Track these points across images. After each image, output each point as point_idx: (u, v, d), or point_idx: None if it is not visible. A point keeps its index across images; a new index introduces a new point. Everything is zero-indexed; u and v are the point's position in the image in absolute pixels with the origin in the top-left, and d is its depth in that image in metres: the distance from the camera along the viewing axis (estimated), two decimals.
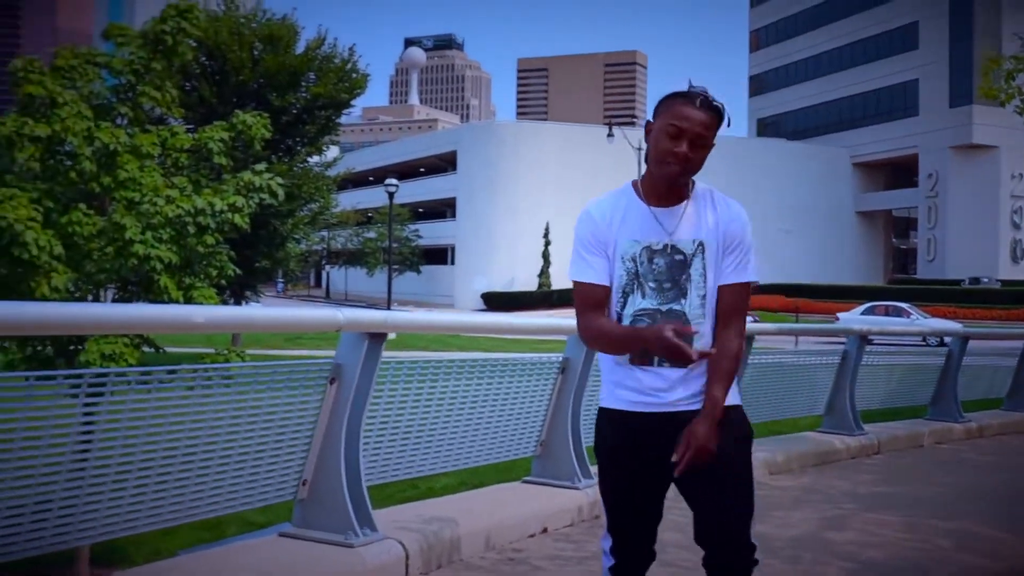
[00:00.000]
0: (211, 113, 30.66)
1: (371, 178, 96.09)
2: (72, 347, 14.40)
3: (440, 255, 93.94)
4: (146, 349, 15.34)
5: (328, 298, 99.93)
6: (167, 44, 15.69)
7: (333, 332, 5.55)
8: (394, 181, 55.67)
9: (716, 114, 3.44)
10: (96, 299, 15.62)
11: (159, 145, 15.82)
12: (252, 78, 34.04)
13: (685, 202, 3.53)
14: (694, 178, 3.59)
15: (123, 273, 14.35)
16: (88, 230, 14.42)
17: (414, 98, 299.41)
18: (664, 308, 3.48)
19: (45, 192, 14.82)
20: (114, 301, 15.57)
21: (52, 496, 4.43)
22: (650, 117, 3.55)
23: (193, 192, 15.04)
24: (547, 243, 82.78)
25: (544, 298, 77.89)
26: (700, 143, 3.40)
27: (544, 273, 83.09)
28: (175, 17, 15.77)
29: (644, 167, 3.57)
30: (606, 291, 3.57)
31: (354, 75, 36.67)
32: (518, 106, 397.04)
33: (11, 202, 13.57)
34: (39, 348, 14.74)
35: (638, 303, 3.52)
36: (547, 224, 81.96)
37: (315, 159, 38.39)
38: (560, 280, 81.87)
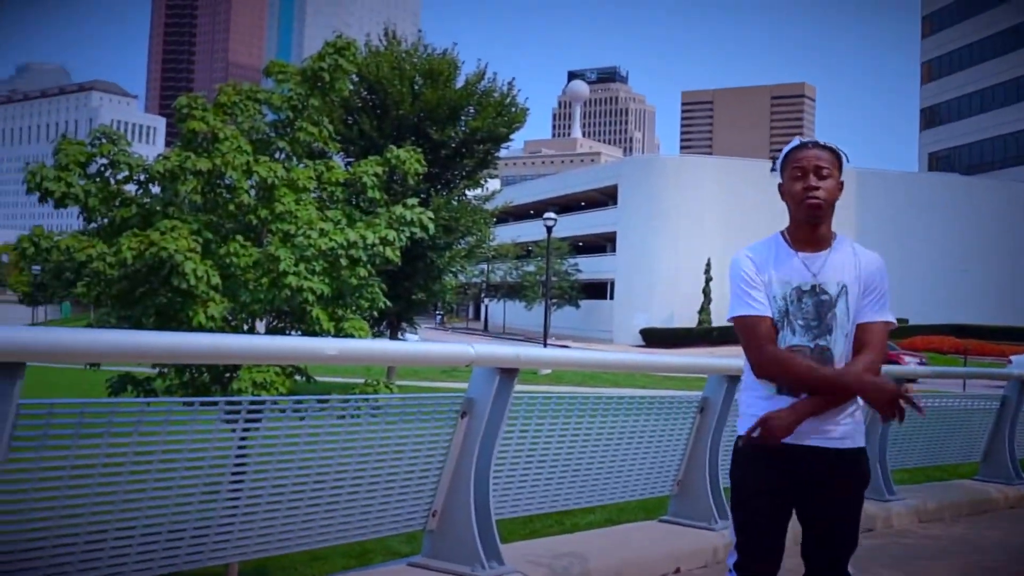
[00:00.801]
0: (371, 146, 31.36)
1: (531, 211, 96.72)
2: (227, 375, 14.88)
3: (600, 290, 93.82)
4: (297, 378, 15.77)
5: (486, 331, 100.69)
6: (324, 80, 16.15)
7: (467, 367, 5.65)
8: (552, 215, 55.93)
9: (832, 153, 3.86)
10: (251, 328, 16.12)
11: (315, 179, 16.29)
12: (412, 112, 34.65)
13: (828, 249, 3.88)
14: (835, 231, 3.96)
15: (276, 303, 14.79)
16: (245, 261, 14.94)
17: (577, 131, 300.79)
18: (812, 344, 3.80)
19: (205, 224, 15.41)
20: (268, 331, 16.04)
21: (211, 514, 4.72)
22: (779, 181, 3.96)
23: (346, 225, 15.41)
24: (708, 279, 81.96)
25: (704, 335, 77.06)
26: (824, 174, 3.80)
27: (704, 310, 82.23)
28: (332, 55, 16.26)
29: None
30: (772, 323, 3.87)
31: (513, 109, 36.94)
32: (682, 139, 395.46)
33: (172, 233, 14.16)
34: (196, 375, 15.29)
35: (788, 339, 3.83)
36: (708, 260, 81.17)
37: (473, 192, 38.82)
38: (720, 317, 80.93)
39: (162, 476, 4.54)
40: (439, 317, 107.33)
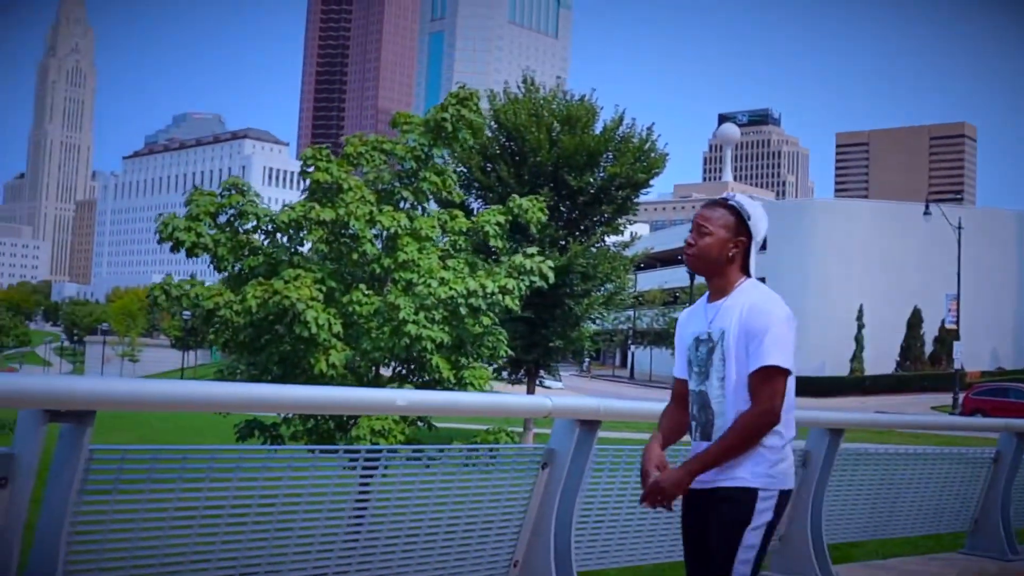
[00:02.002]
0: (509, 193, 31.78)
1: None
2: (349, 421, 15.29)
3: None
4: (420, 425, 16.10)
5: (632, 378, 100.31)
6: (447, 131, 16.54)
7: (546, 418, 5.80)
8: None
9: (726, 210, 4.08)
10: (376, 376, 16.50)
11: (438, 228, 16.68)
12: (549, 159, 34.92)
13: (726, 297, 4.06)
14: (746, 278, 4.11)
15: (397, 352, 15.16)
16: (366, 309, 15.38)
17: (728, 175, 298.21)
18: (696, 390, 4.09)
19: (329, 273, 15.91)
20: (389, 379, 16.40)
21: (328, 559, 4.99)
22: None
23: (468, 274, 15.73)
24: (860, 326, 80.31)
25: (855, 384, 75.37)
26: (704, 231, 4.05)
27: (856, 358, 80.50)
28: (455, 105, 16.64)
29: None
30: (682, 383, 4.24)
31: (652, 154, 36.92)
32: (836, 182, 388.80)
33: (295, 282, 14.68)
34: (321, 421, 15.74)
35: (690, 385, 4.15)
36: (860, 307, 79.61)
37: (613, 239, 38.90)
38: (874, 365, 79.11)
39: (265, 521, 4.80)
40: (586, 364, 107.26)
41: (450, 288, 15.09)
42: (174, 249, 15.51)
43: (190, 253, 15.53)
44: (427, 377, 15.60)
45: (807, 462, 7.68)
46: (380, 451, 5.32)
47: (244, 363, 16.40)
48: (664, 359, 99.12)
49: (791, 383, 3.97)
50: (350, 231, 15.93)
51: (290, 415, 15.95)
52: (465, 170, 36.04)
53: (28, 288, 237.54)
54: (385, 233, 16.22)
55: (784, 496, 3.98)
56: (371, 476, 5.19)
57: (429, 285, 15.10)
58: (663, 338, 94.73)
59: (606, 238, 38.11)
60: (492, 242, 16.72)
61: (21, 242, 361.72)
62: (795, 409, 4.07)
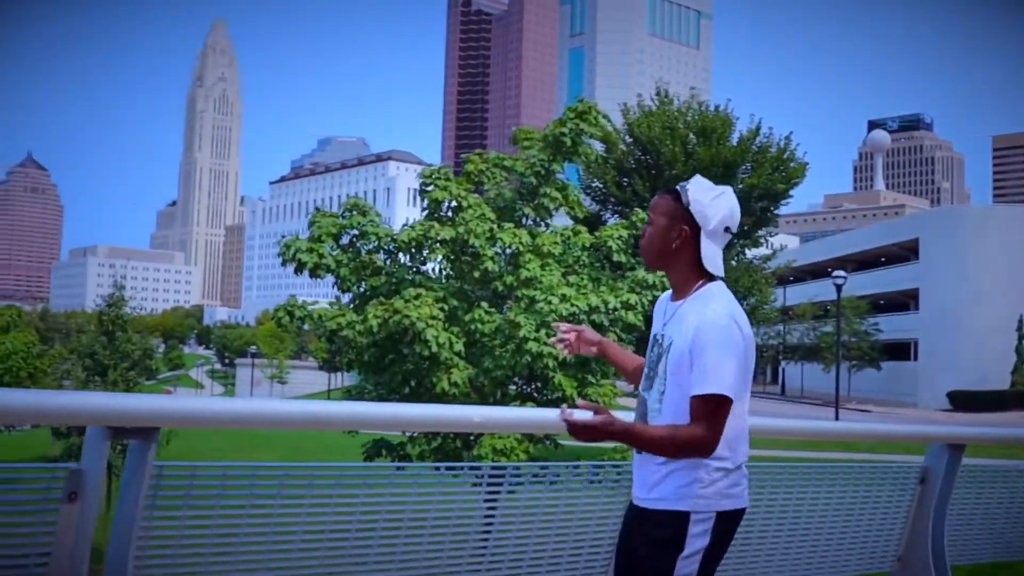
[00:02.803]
0: (644, 207, 31.64)
1: (829, 269, 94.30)
2: (472, 439, 15.37)
3: (902, 350, 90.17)
4: (547, 443, 16.11)
5: (783, 394, 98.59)
6: (566, 145, 16.54)
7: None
8: (842, 273, 54.40)
9: (670, 196, 3.69)
10: (504, 394, 16.55)
11: (561, 244, 16.68)
12: (685, 171, 34.63)
13: (683, 300, 3.69)
14: (710, 281, 3.69)
15: (519, 370, 15.18)
16: (488, 327, 15.44)
17: (879, 183, 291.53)
18: (641, 394, 3.78)
19: (451, 291, 16.04)
20: (513, 397, 16.42)
21: None
22: None
23: (591, 290, 15.69)
24: (1021, 337, 77.59)
25: (1017, 398, 72.82)
26: (649, 219, 3.68)
27: (1018, 371, 77.68)
28: (573, 119, 16.63)
29: None
30: None
31: (791, 164, 36.35)
32: (995, 187, 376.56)
33: (415, 301, 14.84)
34: (448, 440, 15.86)
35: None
36: (1021, 317, 76.93)
37: (753, 252, 38.41)
38: None
39: (343, 538, 4.81)
40: None
41: (572, 304, 15.07)
42: (297, 271, 15.82)
43: (313, 274, 15.83)
44: (551, 395, 15.59)
45: (925, 479, 7.42)
46: (505, 467, 5.31)
47: (371, 383, 16.63)
48: (816, 374, 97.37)
49: (741, 406, 3.62)
50: (471, 249, 16.04)
51: (415, 434, 16.12)
52: (600, 185, 36.04)
53: (181, 313, 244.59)
54: (507, 250, 16.28)
55: (724, 519, 3.64)
56: (496, 495, 5.19)
57: (550, 302, 15.10)
58: (814, 353, 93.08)
59: (746, 251, 37.61)
60: (615, 257, 16.64)
61: (174, 268, 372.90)
62: (747, 432, 3.74)
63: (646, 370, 3.77)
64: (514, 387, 16.63)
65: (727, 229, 3.71)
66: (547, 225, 17.40)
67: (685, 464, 3.58)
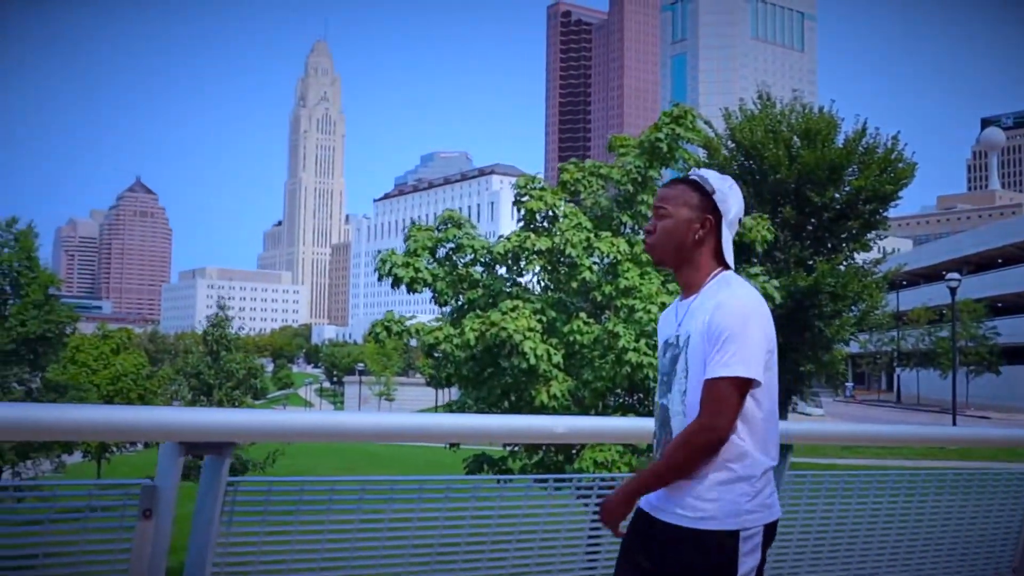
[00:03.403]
0: (749, 214, 31.24)
1: (943, 272, 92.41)
2: (574, 452, 15.24)
3: (1023, 354, 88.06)
4: (652, 455, 15.88)
5: (899, 402, 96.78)
6: (662, 151, 16.36)
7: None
8: (956, 275, 53.22)
9: (686, 186, 3.49)
10: (604, 406, 16.39)
11: None
12: (790, 175, 34.13)
13: (697, 293, 3.49)
14: (721, 271, 3.50)
15: (619, 381, 15.02)
16: (587, 338, 15.31)
17: (995, 182, 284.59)
18: (659, 402, 3.52)
19: (549, 303, 15.95)
20: (613, 408, 16.25)
21: None
22: None
23: None
24: None
25: None
26: (661, 213, 3.48)
27: None
28: (669, 124, 16.45)
29: None
30: None
31: (899, 165, 35.58)
32: None
33: (512, 313, 14.77)
34: (551, 453, 15.76)
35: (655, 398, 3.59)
36: None
37: (863, 256, 37.69)
38: None
39: (419, 549, 4.81)
40: (849, 389, 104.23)
41: None
42: (394, 285, 15.87)
43: (410, 289, 15.86)
44: (651, 408, 15.39)
45: None
46: (594, 479, 5.23)
47: (471, 397, 16.60)
48: (932, 381, 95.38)
49: (768, 399, 3.40)
50: (568, 259, 15.93)
51: (516, 448, 16.05)
52: None
53: (290, 332, 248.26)
54: (605, 260, 16.15)
55: (769, 532, 3.39)
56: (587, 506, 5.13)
57: (649, 311, 14.94)
58: (930, 358, 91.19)
59: (855, 255, 36.90)
60: None
61: (282, 287, 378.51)
62: (778, 428, 3.46)
63: (661, 377, 3.54)
64: (615, 399, 16.46)
65: (740, 220, 3.59)
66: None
67: (728, 476, 3.30)
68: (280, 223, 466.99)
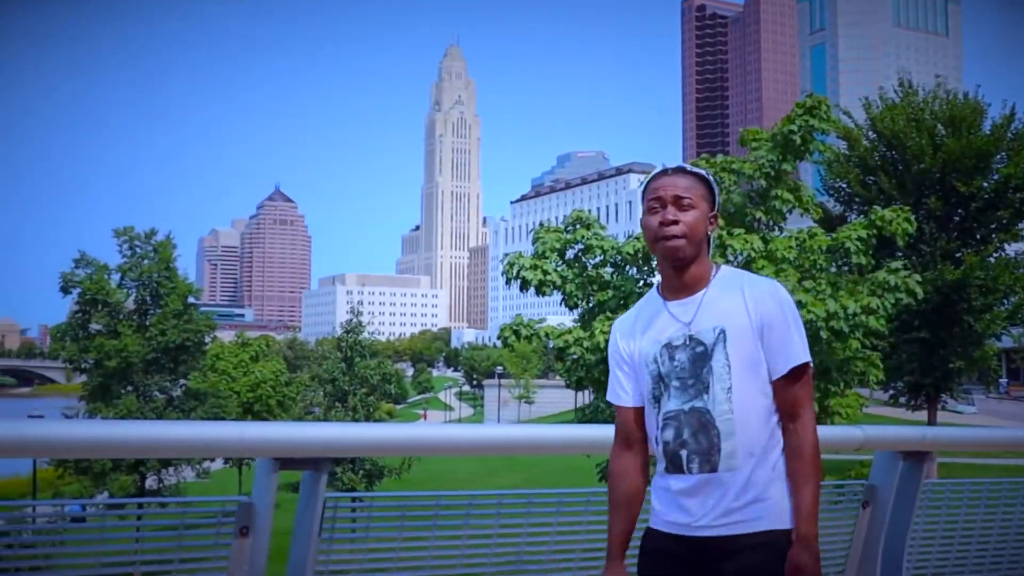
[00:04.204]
0: (890, 205, 30.39)
1: None
2: None
3: None
4: None
5: None
6: (795, 144, 15.91)
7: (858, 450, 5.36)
8: None
9: (698, 180, 3.30)
10: None
11: (795, 248, 16.06)
12: (934, 165, 33.15)
13: (705, 288, 3.29)
14: (721, 264, 3.38)
15: None
16: None
17: None
18: (687, 407, 3.22)
19: None
20: None
21: None
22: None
23: (829, 295, 15.02)
24: None
25: None
26: (686, 204, 3.25)
27: None
28: (802, 116, 15.99)
29: None
30: (633, 414, 3.41)
31: None
32: None
33: None
34: None
35: (666, 405, 3.27)
36: None
37: (1015, 247, 36.38)
38: None
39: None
40: (1003, 385, 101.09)
41: (808, 311, 14.45)
42: (523, 288, 15.76)
43: (539, 292, 15.72)
44: None
45: None
46: None
47: (603, 401, 16.41)
48: None
49: None
50: None
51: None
52: (844, 185, 34.96)
53: (429, 336, 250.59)
54: (738, 257, 15.80)
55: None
56: None
57: None
58: None
59: (1005, 246, 35.61)
60: (855, 259, 15.87)
61: (420, 292, 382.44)
62: None
63: (675, 383, 3.25)
64: None
65: None
66: (780, 229, 16.79)
67: (780, 471, 3.19)
68: (418, 227, 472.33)
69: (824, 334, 14.49)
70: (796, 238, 16.36)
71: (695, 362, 3.22)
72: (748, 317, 3.19)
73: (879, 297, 14.73)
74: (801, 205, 16.50)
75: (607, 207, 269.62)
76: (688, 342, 3.24)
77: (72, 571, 3.98)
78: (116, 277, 37.66)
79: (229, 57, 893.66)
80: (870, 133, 35.31)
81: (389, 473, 36.66)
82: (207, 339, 39.98)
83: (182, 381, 39.72)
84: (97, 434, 3.95)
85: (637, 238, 15.84)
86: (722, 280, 3.29)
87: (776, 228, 16.81)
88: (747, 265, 15.67)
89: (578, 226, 16.27)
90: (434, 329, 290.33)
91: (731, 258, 15.87)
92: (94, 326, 37.40)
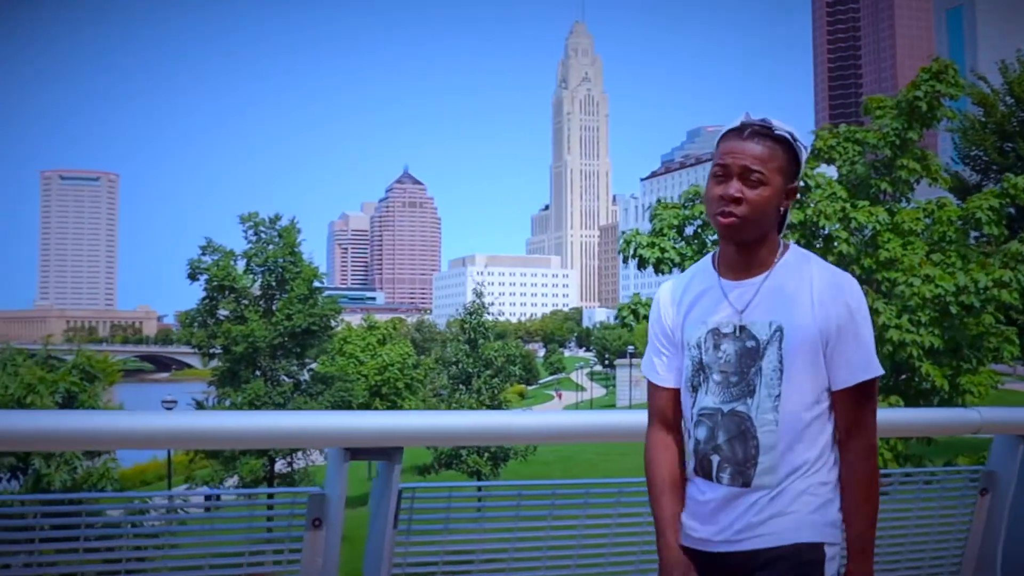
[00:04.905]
0: None
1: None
2: None
3: None
4: None
5: None
6: (921, 111, 15.37)
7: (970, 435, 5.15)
8: None
9: (779, 145, 2.82)
10: None
11: (923, 219, 15.57)
12: None
13: (767, 272, 2.87)
14: (789, 243, 2.93)
15: (879, 360, 14.23)
16: None
17: None
18: (727, 408, 2.84)
19: None
20: (879, 389, 15.44)
21: None
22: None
23: (959, 268, 14.52)
24: None
25: None
26: (754, 179, 2.79)
27: None
28: (928, 81, 15.43)
29: None
30: (671, 396, 3.04)
31: None
32: None
33: None
34: None
35: (701, 400, 2.90)
36: None
37: None
38: None
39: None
40: None
41: (936, 286, 13.99)
42: (640, 267, 15.54)
43: (656, 269, 15.48)
44: (919, 386, 14.53)
45: None
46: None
47: None
48: None
49: None
50: (822, 232, 15.25)
51: None
52: (981, 153, 33.89)
53: (560, 316, 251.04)
54: (863, 231, 15.37)
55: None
56: None
57: (912, 284, 14.10)
58: None
59: None
60: (986, 229, 15.27)
61: (551, 272, 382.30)
62: None
63: (716, 378, 2.88)
64: (880, 380, 15.60)
65: None
66: (907, 200, 16.28)
67: (819, 490, 2.83)
68: (547, 207, 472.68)
69: (954, 309, 13.99)
70: (924, 209, 15.85)
71: (743, 358, 2.84)
72: (812, 314, 2.79)
73: (1012, 270, 14.14)
74: (929, 174, 15.92)
75: None
76: (738, 333, 2.85)
77: (140, 563, 3.97)
78: (242, 263, 38.27)
79: (356, 41, 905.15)
80: (1007, 98, 34.15)
81: (515, 455, 36.72)
82: (333, 323, 40.34)
83: (310, 365, 40.25)
84: (174, 425, 3.94)
85: None
86: (788, 265, 2.88)
87: (903, 199, 16.28)
88: (873, 239, 15.25)
89: (696, 201, 15.98)
90: (565, 309, 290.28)
91: (855, 232, 15.46)
92: (221, 312, 38.08)
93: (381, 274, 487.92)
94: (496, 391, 39.24)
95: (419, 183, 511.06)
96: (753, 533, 2.80)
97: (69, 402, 22.77)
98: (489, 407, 38.27)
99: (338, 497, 3.98)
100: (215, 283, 37.30)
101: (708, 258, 3.05)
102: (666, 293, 3.11)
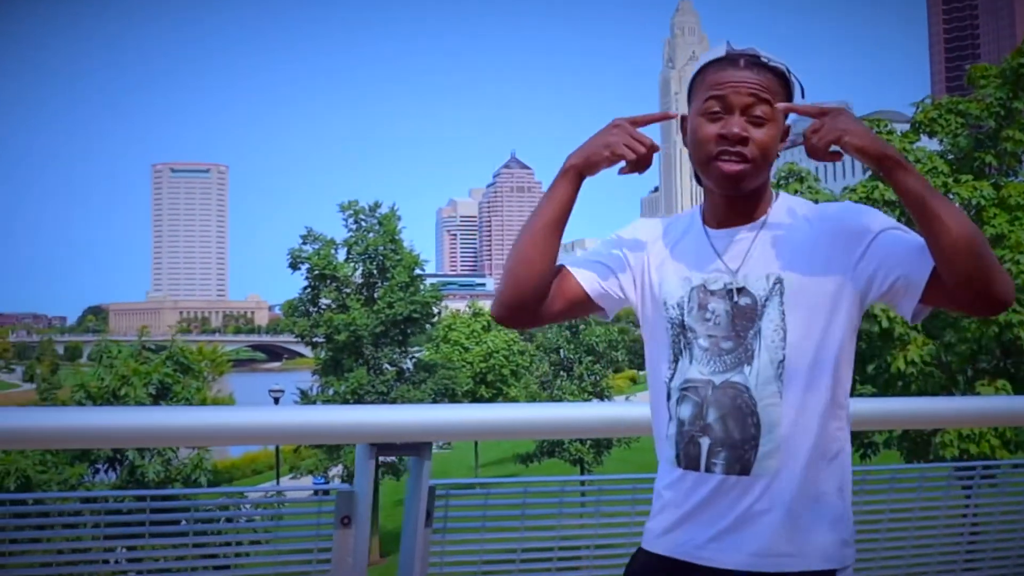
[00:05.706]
0: None
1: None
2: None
3: None
4: None
5: None
6: None
7: None
8: None
9: (777, 78, 2.35)
10: (975, 371, 15.11)
11: None
12: None
13: (762, 219, 2.41)
14: (779, 192, 2.43)
15: (984, 343, 13.77)
16: None
17: None
18: (719, 380, 2.31)
19: None
20: (987, 372, 14.92)
21: None
22: (685, 111, 2.49)
23: None
24: None
25: None
26: (760, 114, 2.33)
27: None
28: None
29: None
30: (570, 281, 2.56)
31: None
32: None
33: None
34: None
35: (684, 370, 2.37)
36: None
37: None
38: None
39: None
40: None
41: None
42: None
43: None
44: (1016, 369, 14.07)
45: None
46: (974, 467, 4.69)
47: None
48: None
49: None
50: None
51: None
52: None
53: None
54: (967, 206, 14.90)
55: None
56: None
57: (1019, 263, 13.62)
58: None
59: None
60: None
61: None
62: None
63: (702, 342, 2.35)
64: (986, 362, 15.11)
65: None
66: (1015, 174, 15.75)
67: (832, 494, 2.32)
68: (656, 189, 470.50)
69: None
70: None
71: (737, 319, 2.34)
72: (822, 261, 2.31)
73: None
74: None
75: (844, 163, 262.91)
76: (728, 291, 2.37)
77: (170, 563, 3.92)
78: (343, 252, 38.61)
79: (461, 24, 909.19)
80: None
81: (618, 443, 36.45)
82: (436, 310, 40.46)
83: (414, 353, 40.44)
84: (204, 421, 3.85)
85: (854, 189, 15.10)
86: (782, 211, 2.43)
87: (1010, 173, 15.75)
88: (978, 215, 14.76)
89: (791, 180, 15.64)
90: None
91: (959, 207, 14.99)
92: (323, 301, 38.48)
93: (491, 260, 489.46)
94: (598, 378, 39.04)
95: (526, 167, 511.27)
96: (752, 550, 2.29)
97: (163, 393, 23.14)
98: (591, 394, 38.13)
99: (366, 494, 3.88)
100: (316, 272, 37.70)
101: (696, 211, 2.58)
102: (646, 225, 2.65)
